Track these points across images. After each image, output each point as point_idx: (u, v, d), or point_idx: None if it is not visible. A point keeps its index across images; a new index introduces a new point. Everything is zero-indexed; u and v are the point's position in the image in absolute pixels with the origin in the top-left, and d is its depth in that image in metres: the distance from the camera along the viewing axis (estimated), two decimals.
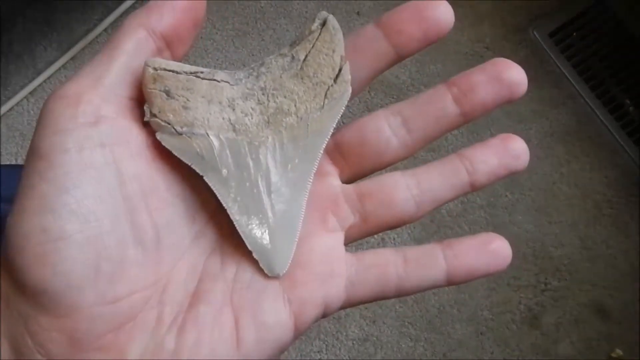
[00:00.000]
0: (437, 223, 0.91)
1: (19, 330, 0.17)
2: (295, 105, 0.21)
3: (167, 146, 0.19)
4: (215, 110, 0.20)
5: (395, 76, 0.96)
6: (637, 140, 0.99)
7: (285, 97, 0.21)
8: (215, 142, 0.20)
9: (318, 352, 0.86)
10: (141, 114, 0.20)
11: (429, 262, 0.21)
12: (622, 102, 1.01)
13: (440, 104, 0.21)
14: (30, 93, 0.89)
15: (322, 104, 0.21)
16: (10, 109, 0.88)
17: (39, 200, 0.17)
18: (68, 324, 0.17)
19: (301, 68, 0.21)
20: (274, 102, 0.20)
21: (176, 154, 0.19)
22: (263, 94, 0.20)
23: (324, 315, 0.21)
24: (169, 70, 0.19)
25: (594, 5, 1.02)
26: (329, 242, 0.21)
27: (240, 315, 0.19)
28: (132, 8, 0.94)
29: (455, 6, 0.20)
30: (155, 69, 0.19)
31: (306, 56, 0.21)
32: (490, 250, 0.21)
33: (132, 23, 0.19)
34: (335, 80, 0.21)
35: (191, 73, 0.20)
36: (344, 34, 0.21)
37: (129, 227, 0.18)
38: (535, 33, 1.02)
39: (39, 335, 0.17)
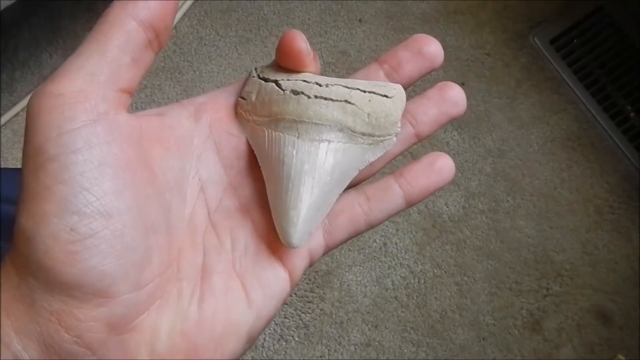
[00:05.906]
0: (438, 228, 0.92)
1: (52, 328, 0.18)
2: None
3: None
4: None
5: None
6: (638, 146, 1.00)
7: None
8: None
9: (321, 356, 0.86)
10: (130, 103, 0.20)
11: (388, 193, 0.24)
12: (623, 108, 1.01)
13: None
14: None
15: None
16: (16, 115, 0.89)
17: (61, 203, 0.17)
18: (104, 312, 0.18)
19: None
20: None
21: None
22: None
23: (311, 264, 0.24)
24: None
25: (595, 12, 1.03)
26: None
27: (245, 280, 0.22)
28: None
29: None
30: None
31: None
32: (436, 169, 0.24)
33: (119, 13, 0.19)
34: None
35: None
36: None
37: (146, 217, 0.19)
38: (536, 40, 1.03)
39: (77, 328, 0.18)
